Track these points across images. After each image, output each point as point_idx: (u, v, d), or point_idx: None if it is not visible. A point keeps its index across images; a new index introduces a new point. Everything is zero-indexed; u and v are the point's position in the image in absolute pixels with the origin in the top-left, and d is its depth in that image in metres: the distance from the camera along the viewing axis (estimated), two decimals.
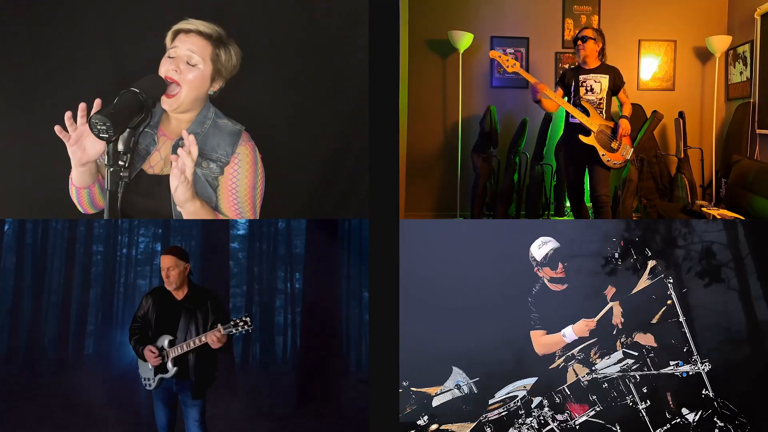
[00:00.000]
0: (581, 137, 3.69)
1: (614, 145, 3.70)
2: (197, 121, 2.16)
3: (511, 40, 5.45)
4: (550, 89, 3.68)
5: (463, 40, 5.11)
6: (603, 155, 3.69)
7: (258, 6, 2.63)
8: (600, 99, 3.77)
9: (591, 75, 3.79)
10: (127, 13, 2.59)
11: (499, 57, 3.65)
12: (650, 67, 5.53)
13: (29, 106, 2.64)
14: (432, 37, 5.34)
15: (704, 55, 5.48)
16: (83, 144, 1.95)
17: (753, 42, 4.79)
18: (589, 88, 3.78)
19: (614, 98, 3.89)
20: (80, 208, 2.24)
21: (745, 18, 4.96)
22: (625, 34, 5.44)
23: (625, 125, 3.71)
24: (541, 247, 2.59)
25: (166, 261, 2.43)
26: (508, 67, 3.61)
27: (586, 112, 3.70)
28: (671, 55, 5.55)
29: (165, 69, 2.08)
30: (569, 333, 2.53)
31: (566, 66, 5.26)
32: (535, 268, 2.61)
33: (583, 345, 2.51)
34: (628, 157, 3.78)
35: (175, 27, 2.13)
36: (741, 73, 5.07)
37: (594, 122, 3.68)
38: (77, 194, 2.18)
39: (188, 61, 2.08)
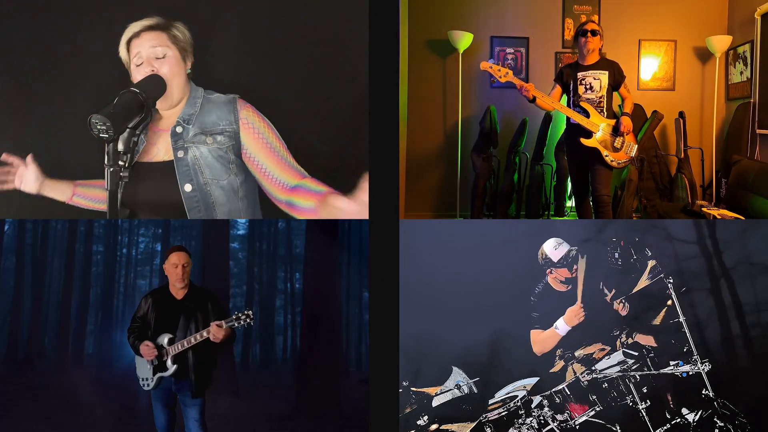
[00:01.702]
0: (583, 140, 3.58)
1: (617, 143, 3.60)
2: (188, 104, 2.18)
3: (511, 40, 5.45)
4: (539, 91, 3.53)
5: (463, 40, 5.10)
6: (606, 156, 3.59)
7: (258, 6, 2.63)
8: (600, 97, 3.63)
9: (590, 72, 3.65)
10: (128, 13, 2.59)
11: (491, 68, 3.49)
12: (650, 67, 5.53)
13: (29, 106, 2.64)
14: (432, 37, 5.33)
15: (704, 55, 5.48)
16: (21, 177, 2.19)
17: (753, 42, 4.79)
18: (588, 86, 3.63)
19: (615, 93, 3.75)
20: None
21: (745, 18, 4.96)
22: (625, 34, 5.44)
23: (626, 122, 3.58)
24: (557, 248, 2.57)
25: (182, 257, 2.43)
26: (500, 77, 3.47)
27: (586, 113, 3.58)
28: (671, 55, 5.54)
29: (142, 74, 2.10)
30: (561, 325, 2.52)
31: (564, 62, 5.24)
32: (547, 269, 2.60)
33: (584, 350, 2.51)
34: (633, 154, 3.64)
35: (124, 39, 2.16)
36: (741, 73, 5.06)
37: (595, 123, 3.57)
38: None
39: (156, 56, 2.10)
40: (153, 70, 2.08)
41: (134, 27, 2.14)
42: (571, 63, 3.81)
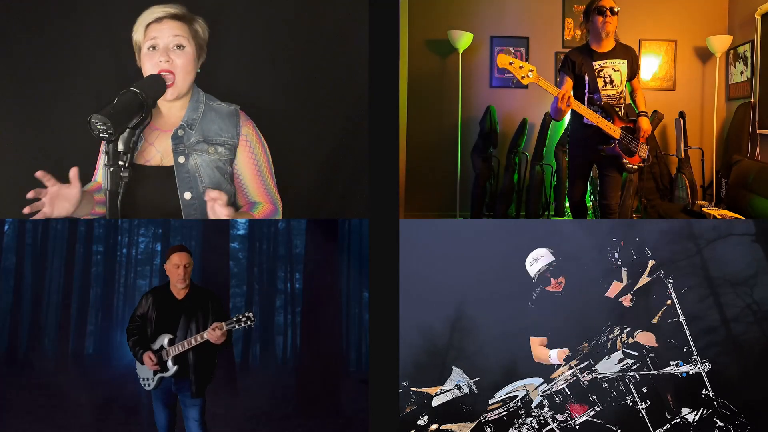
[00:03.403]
0: (605, 149, 3.10)
1: (634, 147, 3.14)
2: (191, 107, 2.16)
3: (511, 39, 5.45)
4: (578, 102, 2.97)
5: (463, 40, 5.10)
6: (624, 161, 3.15)
7: (258, 6, 2.63)
8: (620, 93, 3.11)
9: (608, 61, 3.09)
10: (128, 13, 2.59)
11: (510, 64, 2.78)
12: (650, 67, 5.53)
13: (30, 106, 2.64)
14: (431, 37, 5.33)
15: (705, 55, 5.48)
16: (53, 203, 1.94)
17: (753, 42, 4.79)
18: (607, 80, 3.08)
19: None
20: None
21: (746, 18, 4.96)
22: (625, 34, 5.42)
23: (647, 126, 3.12)
24: (532, 264, 2.56)
25: (183, 258, 2.43)
26: (522, 77, 2.76)
27: (608, 116, 3.05)
28: (672, 55, 5.54)
29: (153, 63, 2.06)
30: (554, 357, 2.55)
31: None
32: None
33: (585, 351, 2.52)
34: (645, 155, 3.19)
35: (143, 21, 2.09)
36: (741, 73, 5.06)
37: (617, 128, 3.05)
38: None
39: (175, 46, 2.07)
40: (168, 61, 2.05)
41: (156, 12, 2.08)
42: (581, 48, 3.22)
